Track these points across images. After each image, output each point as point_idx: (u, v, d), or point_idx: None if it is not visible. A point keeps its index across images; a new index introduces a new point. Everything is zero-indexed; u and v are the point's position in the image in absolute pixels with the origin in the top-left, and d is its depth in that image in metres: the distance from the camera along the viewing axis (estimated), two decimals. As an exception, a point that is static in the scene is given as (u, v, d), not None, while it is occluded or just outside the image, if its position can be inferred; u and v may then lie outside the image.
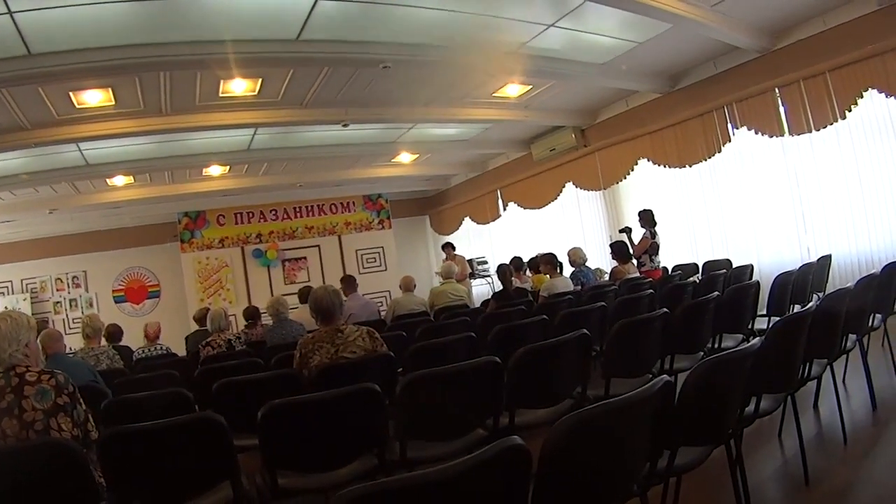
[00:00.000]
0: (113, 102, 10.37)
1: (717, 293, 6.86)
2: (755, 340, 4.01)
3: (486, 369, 4.54)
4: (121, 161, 13.78)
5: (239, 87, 10.80)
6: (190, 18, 8.00)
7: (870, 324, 6.71)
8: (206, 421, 3.96)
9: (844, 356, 6.36)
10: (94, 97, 10.12)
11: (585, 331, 5.10)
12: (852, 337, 6.19)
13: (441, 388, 4.43)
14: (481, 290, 19.33)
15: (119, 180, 15.85)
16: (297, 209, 22.08)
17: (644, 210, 12.51)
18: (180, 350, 11.64)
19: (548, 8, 9.55)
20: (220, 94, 10.94)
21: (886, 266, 7.11)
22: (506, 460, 2.20)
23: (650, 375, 5.81)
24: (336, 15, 8.66)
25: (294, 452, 4.11)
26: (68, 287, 20.65)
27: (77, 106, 10.27)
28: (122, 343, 10.71)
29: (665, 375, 3.00)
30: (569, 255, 11.72)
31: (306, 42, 9.28)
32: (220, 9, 7.89)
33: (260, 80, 10.68)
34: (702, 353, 6.58)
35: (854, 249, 11.38)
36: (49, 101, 9.88)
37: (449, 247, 18.54)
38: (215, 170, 16.56)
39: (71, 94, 9.84)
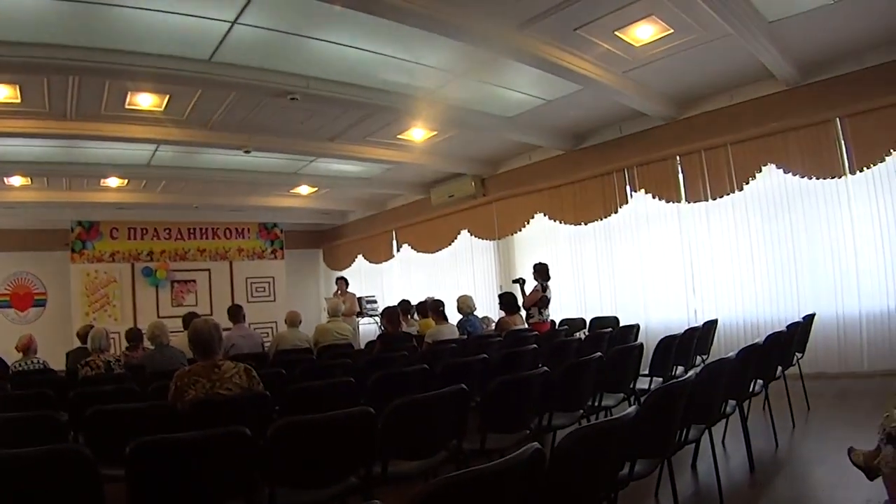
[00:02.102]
0: (18, 100, 10.12)
1: (599, 354, 6.88)
2: (632, 409, 4.02)
3: (360, 419, 4.47)
4: (19, 161, 13.41)
5: (146, 100, 10.68)
6: (107, 25, 7.91)
7: (751, 389, 6.84)
8: (71, 453, 3.76)
9: (725, 419, 6.44)
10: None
11: (464, 386, 5.05)
12: (732, 402, 6.28)
13: (314, 435, 4.33)
14: (369, 328, 19.21)
15: (16, 180, 15.40)
16: (192, 230, 21.76)
17: (539, 263, 12.59)
18: (59, 364, 11.30)
19: (461, 58, 9.70)
20: (126, 106, 10.76)
21: (770, 335, 7.29)
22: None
23: (528, 431, 5.81)
24: (251, 41, 8.68)
25: (160, 492, 3.92)
26: (-50, 286, 19.77)
27: None
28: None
29: (536, 443, 2.91)
30: (457, 302, 11.69)
31: (218, 64, 9.26)
32: (137, 20, 7.82)
33: (167, 96, 10.59)
34: (582, 411, 6.59)
35: (740, 315, 11.89)
36: (-51, 90, 9.60)
37: (342, 281, 18.44)
38: (113, 181, 16.22)
39: None
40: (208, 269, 21.86)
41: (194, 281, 21.56)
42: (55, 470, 3.64)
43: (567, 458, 3.24)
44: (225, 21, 8.09)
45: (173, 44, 8.62)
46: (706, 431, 5.80)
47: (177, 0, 7.54)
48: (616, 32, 9.18)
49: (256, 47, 8.93)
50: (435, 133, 13.77)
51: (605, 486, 3.90)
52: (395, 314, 11.02)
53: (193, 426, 4.45)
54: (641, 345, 7.76)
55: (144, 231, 20.97)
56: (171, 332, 9.96)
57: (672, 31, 9.22)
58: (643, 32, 9.28)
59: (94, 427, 5.07)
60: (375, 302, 19.25)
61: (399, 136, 13.89)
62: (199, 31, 8.30)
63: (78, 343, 12.05)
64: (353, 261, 23.35)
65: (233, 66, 9.40)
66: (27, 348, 10.43)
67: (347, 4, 7.32)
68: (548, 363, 7.06)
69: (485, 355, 7.51)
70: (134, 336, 10.68)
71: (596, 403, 6.94)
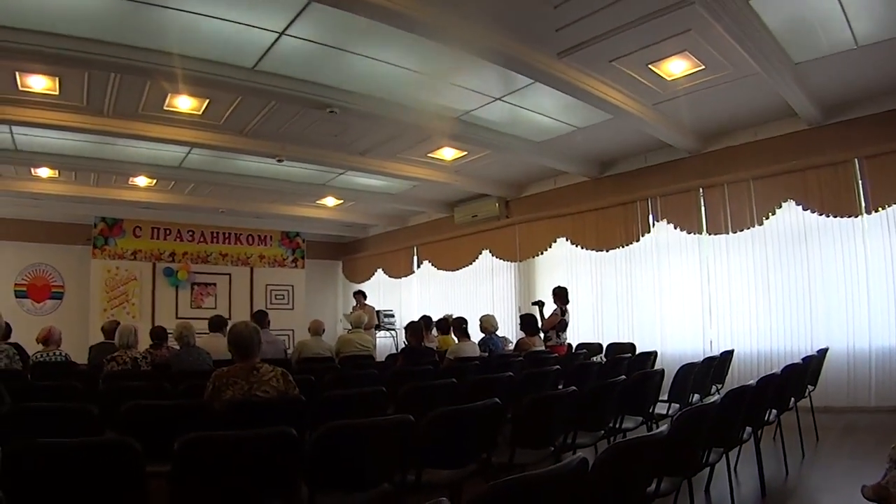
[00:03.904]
0: (57, 92, 10.13)
1: (623, 377, 7.06)
2: (662, 427, 4.20)
3: (400, 426, 4.62)
4: (50, 153, 13.38)
5: (185, 103, 10.81)
6: (153, 25, 8.01)
7: (766, 418, 7.00)
8: (121, 445, 3.84)
9: (739, 445, 6.59)
10: (39, 83, 9.86)
11: (498, 400, 5.20)
12: (748, 429, 6.43)
13: (355, 439, 4.47)
14: (384, 342, 19.33)
15: (43, 172, 15.28)
16: (215, 234, 21.81)
17: (559, 287, 12.72)
18: (77, 356, 11.32)
19: (498, 82, 9.93)
20: (165, 107, 10.90)
21: (787, 367, 7.47)
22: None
23: (552, 448, 5.96)
24: (297, 52, 8.84)
25: (205, 487, 4.02)
26: (-33, 272, 19.45)
27: (20, 87, 9.96)
28: (11, 340, 10.43)
29: (580, 454, 3.12)
30: (481, 321, 11.81)
31: (261, 73, 9.41)
32: (187, 23, 7.95)
33: (207, 100, 10.72)
34: (603, 431, 6.76)
35: (755, 347, 11.98)
36: (-7, 76, 9.63)
37: (361, 295, 18.46)
38: (141, 180, 16.31)
39: (17, 74, 9.56)
40: (229, 274, 21.96)
41: (214, 284, 21.63)
42: (103, 461, 3.74)
43: (607, 469, 3.41)
44: (273, 31, 8.27)
45: (220, 49, 8.77)
46: (723, 456, 5.97)
47: (229, 7, 7.70)
48: (650, 66, 9.41)
49: (300, 59, 9.09)
50: (465, 153, 13.97)
51: (636, 499, 4.08)
52: (419, 329, 11.06)
53: (230, 426, 4.57)
54: (663, 370, 7.96)
55: (168, 231, 21.03)
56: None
57: (703, 67, 9.44)
58: (676, 67, 9.50)
59: (130, 422, 5.08)
60: (393, 316, 19.49)
61: (429, 154, 14.10)
62: (247, 39, 8.45)
63: (101, 338, 12.07)
64: (373, 274, 23.42)
65: (276, 76, 9.55)
66: (48, 339, 10.36)
67: (376, 18, 7.45)
68: (568, 384, 7.18)
69: (510, 373, 7.69)
70: (158, 335, 10.65)
71: (616, 425, 7.06)
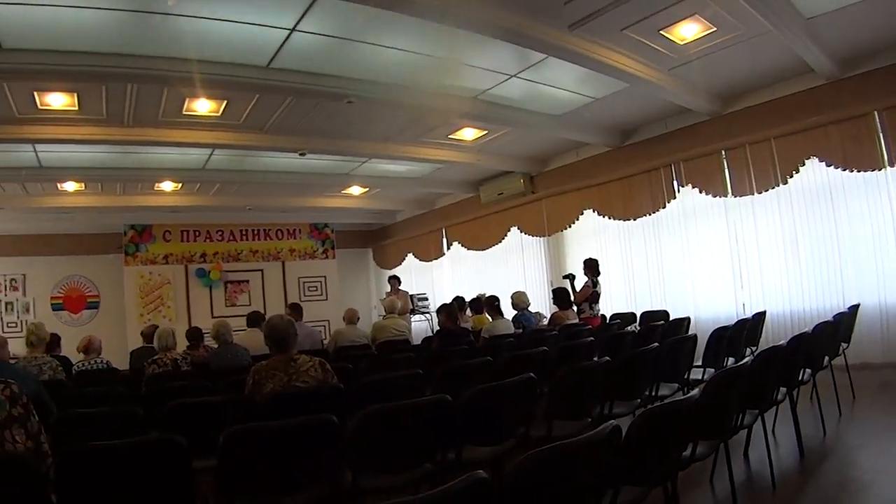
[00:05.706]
0: (76, 108, 10.32)
1: (656, 344, 7.07)
2: (694, 391, 4.25)
3: (438, 406, 4.69)
4: (75, 167, 13.62)
5: (203, 106, 10.92)
6: (165, 34, 8.10)
7: (800, 378, 6.99)
8: (167, 443, 3.93)
9: (775, 407, 6.62)
10: (58, 100, 10.05)
11: (532, 374, 5.28)
12: (783, 390, 6.46)
13: (395, 422, 4.55)
14: (419, 325, 19.38)
15: (70, 186, 15.59)
16: (244, 232, 21.98)
17: (589, 259, 12.70)
18: (117, 363, 11.44)
19: (511, 59, 9.92)
20: (184, 112, 11.01)
21: (818, 325, 7.47)
22: (472, 493, 2.32)
23: (589, 419, 6.01)
24: (309, 47, 8.89)
25: (251, 478, 4.15)
26: (5, 289, 19.74)
27: (40, 107, 10.15)
28: (60, 353, 10.61)
29: (613, 421, 3.17)
30: (512, 298, 11.86)
31: (276, 70, 9.49)
32: (196, 28, 8.02)
33: (225, 102, 10.82)
34: (639, 400, 6.80)
35: (787, 307, 11.92)
36: (12, 98, 9.73)
37: (395, 280, 18.67)
38: (167, 185, 16.50)
39: (35, 93, 9.74)
40: (261, 270, 22.10)
41: (247, 281, 21.81)
42: (150, 460, 3.87)
43: (639, 435, 3.47)
44: (284, 28, 8.33)
45: (233, 51, 8.85)
46: (759, 419, 6.00)
47: (237, 9, 7.76)
48: (661, 31, 9.35)
49: (313, 53, 9.13)
50: (485, 132, 13.97)
51: (670, 464, 4.14)
52: (454, 310, 11.13)
53: (271, 418, 4.61)
54: (695, 336, 7.94)
55: (197, 233, 21.26)
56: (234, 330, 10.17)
57: (715, 28, 9.37)
58: (687, 31, 9.44)
59: (175, 421, 5.18)
60: (426, 299, 19.49)
61: (450, 136, 14.13)
62: (259, 38, 8.52)
63: (139, 343, 12.29)
64: (403, 259, 23.56)
65: (290, 72, 9.63)
66: (88, 349, 10.49)
67: (383, 6, 7.46)
68: (602, 355, 7.20)
69: (545, 347, 7.73)
70: (194, 335, 10.78)
71: (652, 393, 7.11)
